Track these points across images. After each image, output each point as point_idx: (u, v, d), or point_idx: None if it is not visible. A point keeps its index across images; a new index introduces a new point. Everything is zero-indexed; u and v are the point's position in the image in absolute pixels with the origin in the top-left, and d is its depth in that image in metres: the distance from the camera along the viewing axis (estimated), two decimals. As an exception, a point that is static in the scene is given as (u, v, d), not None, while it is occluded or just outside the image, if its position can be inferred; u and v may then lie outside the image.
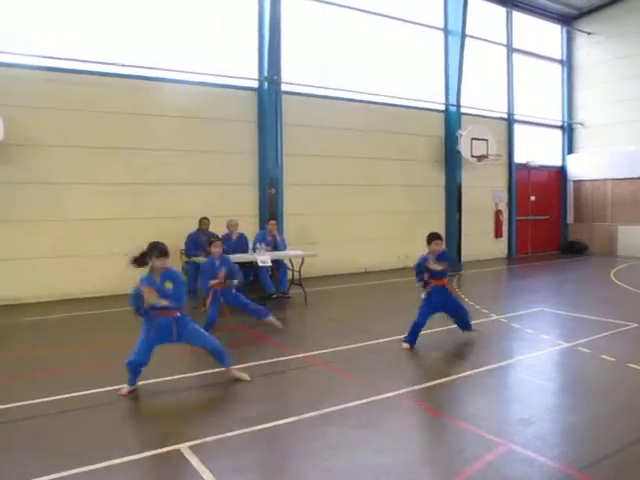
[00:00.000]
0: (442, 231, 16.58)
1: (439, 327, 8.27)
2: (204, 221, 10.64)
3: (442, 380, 5.75)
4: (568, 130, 20.33)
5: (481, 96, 17.38)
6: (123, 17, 11.32)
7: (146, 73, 11.49)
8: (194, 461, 3.95)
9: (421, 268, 7.02)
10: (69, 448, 4.22)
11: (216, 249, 7.86)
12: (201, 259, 9.87)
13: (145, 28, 11.58)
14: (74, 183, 10.81)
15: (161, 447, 4.17)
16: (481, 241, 17.48)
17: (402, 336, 7.20)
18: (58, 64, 10.58)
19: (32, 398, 5.20)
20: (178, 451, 4.12)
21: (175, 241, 10.97)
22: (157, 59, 11.58)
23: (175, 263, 10.94)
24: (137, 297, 5.39)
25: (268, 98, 12.77)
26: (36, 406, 5.05)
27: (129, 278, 11.23)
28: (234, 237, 10.69)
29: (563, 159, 20.42)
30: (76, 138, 10.82)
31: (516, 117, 18.55)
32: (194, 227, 10.63)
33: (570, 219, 20.28)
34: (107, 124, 11.08)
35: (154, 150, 11.61)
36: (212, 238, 8.33)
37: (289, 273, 11.06)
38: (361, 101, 14.65)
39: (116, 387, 5.49)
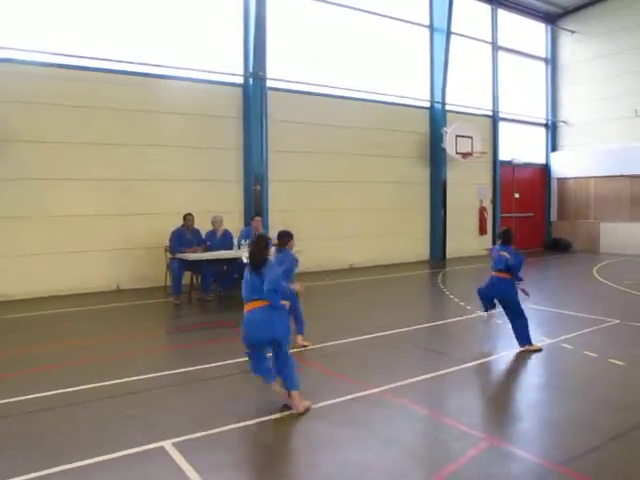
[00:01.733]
0: (427, 228, 16.73)
1: (424, 323, 8.32)
2: (188, 217, 10.57)
3: (426, 376, 5.77)
4: (552, 128, 20.50)
5: (466, 93, 17.46)
6: (106, 13, 11.19)
7: (132, 69, 11.39)
8: (177, 458, 3.93)
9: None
10: (51, 446, 4.17)
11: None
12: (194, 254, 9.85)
13: (130, 24, 11.46)
14: (59, 179, 10.70)
15: (144, 444, 4.14)
16: (465, 238, 17.57)
17: (387, 332, 7.24)
18: (47, 60, 10.49)
19: (14, 396, 5.14)
20: (162, 448, 4.09)
21: (160, 237, 10.96)
22: (143, 55, 11.48)
23: (160, 259, 10.94)
24: None
25: (253, 94, 12.72)
26: (18, 404, 5.00)
27: (115, 274, 11.27)
28: (219, 234, 10.64)
29: (547, 157, 20.60)
30: (61, 134, 10.70)
31: (501, 115, 18.66)
32: (178, 223, 10.56)
33: (554, 216, 20.47)
34: (92, 120, 10.97)
35: (139, 146, 11.53)
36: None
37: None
38: (346, 98, 14.65)
39: (100, 384, 5.46)
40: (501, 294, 6.89)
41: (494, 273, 6.94)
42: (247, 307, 4.87)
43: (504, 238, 7.03)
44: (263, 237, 5.16)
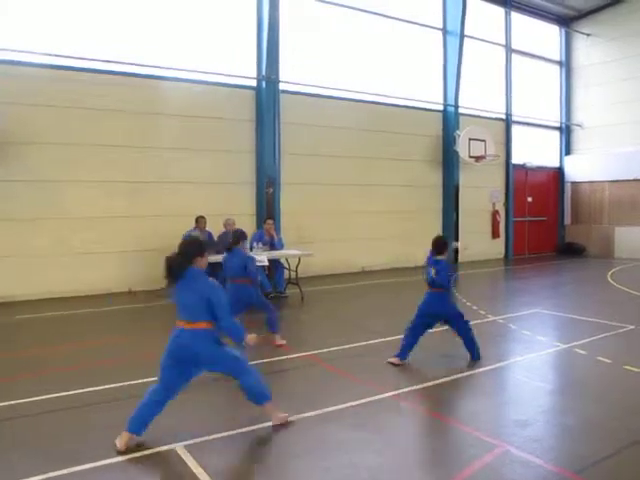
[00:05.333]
0: (439, 231, 16.59)
1: (437, 327, 8.25)
2: (201, 220, 10.61)
3: (439, 381, 5.74)
4: (566, 131, 20.35)
5: (479, 97, 17.39)
6: (122, 15, 11.29)
7: (145, 71, 11.47)
8: (190, 461, 3.94)
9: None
10: (64, 447, 4.20)
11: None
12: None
13: (144, 26, 11.55)
14: (72, 181, 10.79)
15: (156, 447, 4.16)
16: (478, 242, 17.47)
17: (399, 335, 7.19)
18: (58, 62, 10.57)
19: (27, 397, 5.18)
20: (174, 451, 4.10)
21: (172, 240, 10.94)
22: (156, 57, 11.55)
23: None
24: None
25: (266, 97, 12.75)
26: (31, 404, 5.03)
27: (126, 276, 11.32)
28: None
29: (561, 160, 20.45)
30: (74, 136, 10.78)
31: (514, 118, 18.56)
32: (191, 225, 10.60)
33: (567, 220, 20.31)
34: (105, 122, 11.06)
35: (152, 148, 11.59)
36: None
37: (286, 272, 11.05)
38: (359, 100, 14.64)
39: (113, 386, 5.48)
40: (436, 310, 6.43)
41: (427, 289, 6.49)
42: (180, 324, 4.35)
43: (434, 248, 6.45)
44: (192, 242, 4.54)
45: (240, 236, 7.12)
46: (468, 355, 6.51)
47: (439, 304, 6.42)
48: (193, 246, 4.41)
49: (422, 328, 6.50)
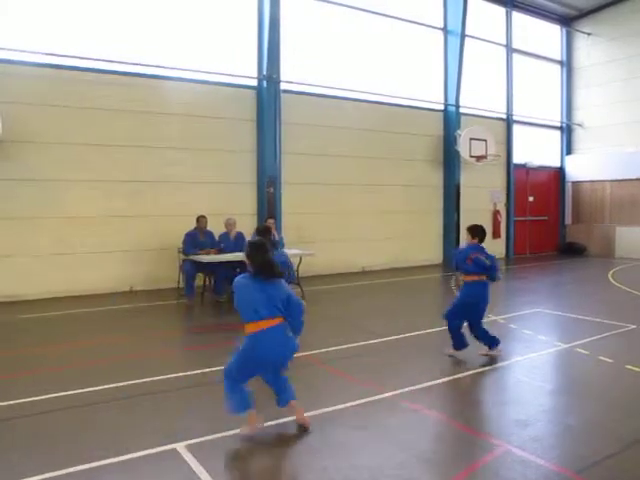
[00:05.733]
0: (440, 231, 16.64)
1: (437, 327, 8.25)
2: (202, 219, 10.61)
3: (440, 381, 5.73)
4: (567, 131, 20.34)
5: (480, 96, 17.38)
6: (122, 14, 11.28)
7: (145, 71, 11.47)
8: (190, 460, 3.93)
9: None
10: (64, 447, 4.19)
11: None
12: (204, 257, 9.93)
13: (144, 25, 11.55)
14: (72, 180, 10.78)
15: (157, 446, 4.15)
16: (479, 241, 17.43)
17: (400, 335, 7.19)
18: (57, 61, 10.57)
19: (27, 396, 5.17)
20: (174, 450, 4.10)
21: (173, 239, 11.00)
22: (157, 57, 11.55)
23: (173, 261, 10.99)
24: None
25: (267, 96, 12.75)
26: (31, 404, 5.03)
27: (126, 276, 11.32)
28: (232, 236, 10.66)
29: (562, 160, 20.43)
30: (75, 135, 10.78)
31: (515, 117, 18.54)
32: (192, 225, 10.60)
33: (568, 220, 20.29)
34: (106, 121, 11.05)
35: (152, 148, 11.59)
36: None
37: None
38: (360, 100, 14.63)
39: (113, 385, 5.48)
40: (478, 299, 6.47)
41: (469, 278, 6.47)
42: (263, 325, 4.22)
43: (481, 236, 6.57)
44: (263, 242, 4.52)
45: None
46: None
47: (485, 292, 6.46)
48: (262, 246, 4.43)
49: (465, 319, 6.60)
